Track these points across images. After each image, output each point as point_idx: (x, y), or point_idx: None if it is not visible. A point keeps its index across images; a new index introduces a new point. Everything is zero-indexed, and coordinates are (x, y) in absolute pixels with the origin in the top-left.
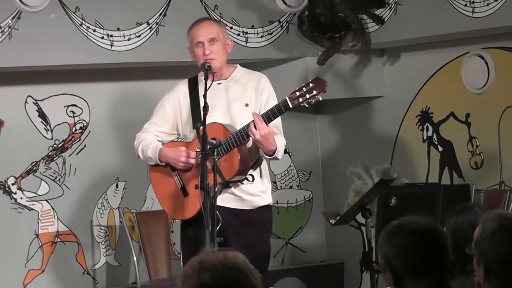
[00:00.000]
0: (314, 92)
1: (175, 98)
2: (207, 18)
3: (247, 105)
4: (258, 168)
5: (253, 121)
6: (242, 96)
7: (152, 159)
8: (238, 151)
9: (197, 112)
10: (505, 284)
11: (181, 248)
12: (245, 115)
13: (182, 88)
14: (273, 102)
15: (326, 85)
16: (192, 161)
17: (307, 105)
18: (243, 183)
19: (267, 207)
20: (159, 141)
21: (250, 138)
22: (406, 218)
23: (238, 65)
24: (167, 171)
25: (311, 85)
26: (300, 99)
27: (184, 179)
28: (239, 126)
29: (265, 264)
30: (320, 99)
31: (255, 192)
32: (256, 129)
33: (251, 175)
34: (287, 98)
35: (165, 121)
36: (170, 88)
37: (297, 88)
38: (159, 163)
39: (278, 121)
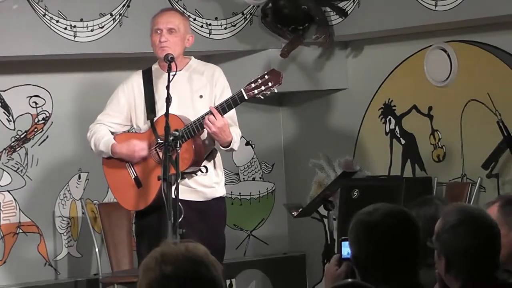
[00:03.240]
0: (270, 84)
1: (129, 89)
2: (173, 8)
3: (201, 96)
4: (212, 159)
5: (207, 113)
6: (197, 88)
7: (104, 153)
8: (193, 142)
9: (151, 103)
10: (466, 276)
11: (136, 238)
12: (200, 106)
13: (136, 79)
14: (227, 94)
15: (281, 77)
16: (144, 152)
17: (262, 97)
18: (197, 174)
19: (221, 198)
20: (112, 132)
21: (205, 129)
22: (381, 215)
23: (192, 57)
24: (120, 162)
25: (266, 77)
26: (255, 91)
27: (137, 170)
28: (193, 117)
29: (221, 257)
30: (275, 91)
31: (209, 183)
32: (211, 121)
33: (204, 166)
34: (242, 89)
35: (119, 112)
36: (124, 79)
37: (252, 80)
38: (112, 156)
39: (233, 112)
